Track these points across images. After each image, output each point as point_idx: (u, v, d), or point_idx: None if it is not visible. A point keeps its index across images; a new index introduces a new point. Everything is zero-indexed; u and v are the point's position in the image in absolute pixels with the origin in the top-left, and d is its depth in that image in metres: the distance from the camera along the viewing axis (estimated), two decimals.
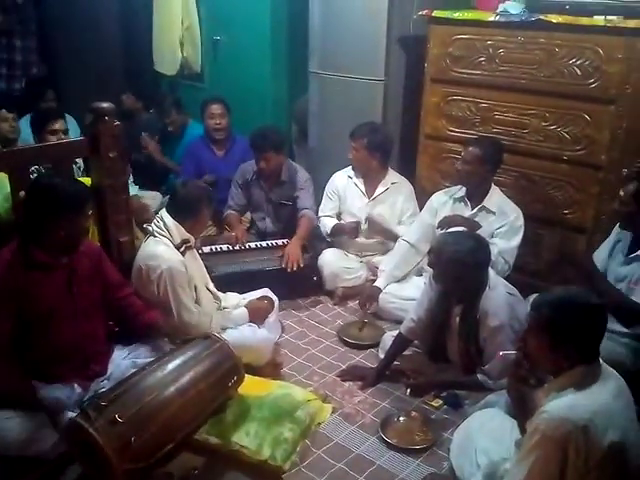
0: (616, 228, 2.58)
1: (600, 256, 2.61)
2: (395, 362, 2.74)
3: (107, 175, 2.58)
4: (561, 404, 1.60)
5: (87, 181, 2.63)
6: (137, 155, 4.33)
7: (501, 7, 3.15)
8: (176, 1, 4.43)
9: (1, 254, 2.16)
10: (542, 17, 2.96)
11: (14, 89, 4.68)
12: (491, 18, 3.15)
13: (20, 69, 4.71)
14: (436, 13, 3.34)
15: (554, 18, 2.93)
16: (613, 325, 2.34)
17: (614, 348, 2.26)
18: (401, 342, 2.73)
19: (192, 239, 2.68)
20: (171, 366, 2.19)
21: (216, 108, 4.00)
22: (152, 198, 4.04)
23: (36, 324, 2.18)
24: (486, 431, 2.04)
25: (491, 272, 2.56)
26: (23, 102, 4.36)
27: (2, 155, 2.48)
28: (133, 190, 4.04)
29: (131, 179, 4.04)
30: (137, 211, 3.60)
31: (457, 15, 3.29)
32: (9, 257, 2.15)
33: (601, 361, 1.71)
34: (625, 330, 2.40)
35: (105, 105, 2.55)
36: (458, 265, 2.37)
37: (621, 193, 2.43)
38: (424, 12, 3.38)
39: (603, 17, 2.80)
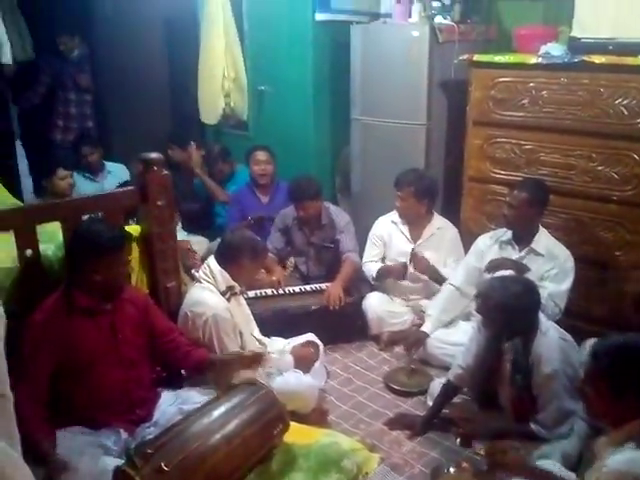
0: None
1: None
2: (444, 410, 2.67)
3: (155, 223, 2.63)
4: (621, 458, 1.53)
5: (136, 229, 2.70)
6: (186, 203, 4.42)
7: (543, 49, 3.15)
8: (220, 54, 4.55)
9: (46, 300, 2.22)
10: (585, 58, 2.95)
11: (68, 141, 4.87)
12: (533, 61, 3.16)
13: (75, 122, 4.90)
14: (477, 57, 3.37)
15: (597, 59, 2.92)
16: None
17: None
18: (450, 389, 2.66)
19: (237, 286, 2.69)
20: (217, 413, 2.16)
21: (261, 155, 4.07)
22: (199, 243, 4.09)
23: (80, 370, 2.20)
24: None
25: (542, 316, 2.50)
26: (76, 154, 4.55)
27: (55, 206, 2.57)
28: (181, 235, 4.13)
29: (179, 225, 4.14)
30: (184, 255, 3.67)
31: (498, 59, 3.31)
32: (53, 303, 2.21)
33: None
34: None
35: (154, 155, 2.62)
36: (506, 310, 2.32)
37: None
38: (465, 57, 3.41)
39: None
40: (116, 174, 4.42)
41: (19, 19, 4.36)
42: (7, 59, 4.07)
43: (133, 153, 2.93)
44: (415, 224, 3.47)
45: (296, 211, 3.61)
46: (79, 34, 4.80)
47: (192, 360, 2.48)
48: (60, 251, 2.45)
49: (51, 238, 2.48)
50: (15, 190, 4.12)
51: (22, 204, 3.61)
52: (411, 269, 3.42)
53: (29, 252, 2.32)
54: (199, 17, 4.69)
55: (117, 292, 2.31)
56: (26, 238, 2.32)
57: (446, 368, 2.86)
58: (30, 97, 4.69)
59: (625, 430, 1.58)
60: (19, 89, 4.63)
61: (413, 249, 3.41)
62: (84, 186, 4.30)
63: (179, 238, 3.98)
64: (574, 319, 2.99)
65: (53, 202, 3.07)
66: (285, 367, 2.75)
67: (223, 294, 2.63)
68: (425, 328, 3.18)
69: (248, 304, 2.98)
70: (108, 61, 5.10)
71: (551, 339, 2.40)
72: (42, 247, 2.38)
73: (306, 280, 3.69)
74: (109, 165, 4.54)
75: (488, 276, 2.85)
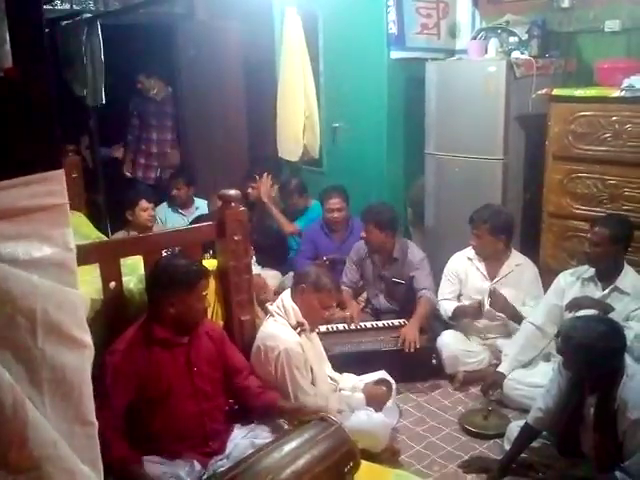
0: None
1: None
2: (522, 455, 2.56)
3: (231, 257, 2.70)
4: None
5: (213, 263, 2.78)
6: (261, 237, 4.52)
7: (626, 82, 3.08)
8: (299, 93, 4.69)
9: (127, 331, 2.31)
10: None
11: (150, 177, 5.10)
12: (615, 94, 3.10)
13: (156, 160, 5.14)
14: (556, 92, 3.34)
15: None
16: None
17: None
18: (529, 433, 2.56)
19: (307, 324, 2.71)
20: (287, 448, 2.17)
21: (334, 203, 4.07)
22: (272, 277, 4.16)
23: (157, 400, 2.27)
24: None
25: (629, 359, 2.38)
26: (158, 190, 4.76)
27: (138, 240, 2.69)
28: (255, 269, 4.20)
29: (254, 259, 4.22)
30: (258, 289, 3.74)
31: (579, 93, 3.27)
32: (133, 334, 2.30)
33: None
34: None
35: (231, 192, 2.70)
36: (589, 352, 2.23)
37: None
38: (544, 91, 3.38)
39: None
40: (202, 209, 4.56)
41: (101, 64, 4.61)
42: (91, 102, 4.36)
43: (214, 189, 3.03)
44: (492, 261, 3.41)
45: (364, 234, 3.62)
46: (162, 76, 5.06)
47: (261, 402, 2.50)
48: (141, 283, 2.55)
49: (133, 270, 2.59)
50: (100, 224, 4.35)
51: (106, 238, 3.80)
52: (488, 307, 3.34)
53: (112, 284, 2.44)
54: (277, 59, 4.86)
55: (193, 326, 2.38)
56: (110, 271, 2.44)
57: (524, 410, 2.78)
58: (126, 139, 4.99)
59: None
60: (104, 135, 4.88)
61: (491, 286, 3.33)
62: (173, 219, 4.49)
63: (253, 272, 4.08)
64: None
65: (136, 237, 3.22)
66: (357, 405, 2.72)
67: (294, 328, 2.66)
68: (502, 368, 3.10)
69: (320, 339, 3.00)
70: (190, 102, 5.35)
71: (638, 383, 2.29)
72: (125, 279, 2.49)
73: (378, 315, 3.67)
74: (197, 201, 4.71)
75: (569, 315, 2.76)
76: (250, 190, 4.61)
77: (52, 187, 0.88)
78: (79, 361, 0.94)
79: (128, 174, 5.07)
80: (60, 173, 0.89)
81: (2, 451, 0.82)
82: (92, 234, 4.01)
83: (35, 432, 0.84)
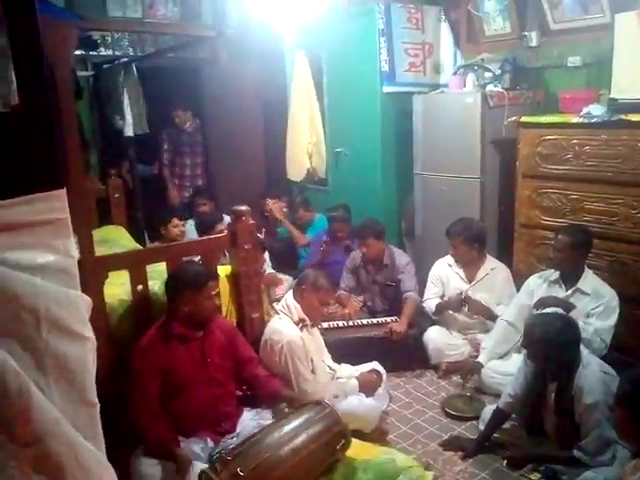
0: None
1: None
2: (494, 435, 2.54)
3: (242, 263, 2.72)
4: None
5: (227, 269, 2.79)
6: (275, 243, 4.54)
7: (585, 110, 3.06)
8: (304, 124, 4.73)
9: (150, 329, 2.33)
10: (623, 117, 2.83)
11: (183, 197, 5.15)
12: (575, 120, 3.06)
13: (188, 181, 5.19)
14: (525, 119, 3.31)
15: (634, 117, 2.79)
16: None
17: None
18: (500, 416, 2.53)
19: (308, 320, 2.71)
20: (287, 428, 2.16)
21: (339, 227, 4.06)
22: (285, 281, 4.16)
23: (177, 388, 2.27)
24: None
25: (585, 351, 2.36)
26: (188, 207, 4.79)
27: (161, 250, 2.72)
28: (271, 272, 4.21)
29: (270, 264, 4.23)
30: (273, 285, 3.74)
31: (544, 119, 3.24)
32: (155, 332, 2.31)
33: None
34: None
35: (242, 208, 2.72)
36: (548, 345, 2.21)
37: None
38: (514, 119, 3.36)
39: None
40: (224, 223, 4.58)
41: (140, 96, 4.67)
42: (130, 132, 4.42)
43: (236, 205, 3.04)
44: (469, 266, 3.38)
45: (360, 247, 3.61)
46: (192, 109, 5.14)
47: (267, 389, 2.50)
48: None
49: (159, 276, 2.61)
50: (139, 237, 4.40)
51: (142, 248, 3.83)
52: (466, 310, 3.33)
53: (140, 287, 2.46)
54: (288, 95, 4.90)
55: (205, 322, 2.38)
56: (138, 276, 2.47)
57: (499, 396, 2.70)
58: (159, 163, 5.07)
59: None
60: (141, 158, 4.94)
61: (463, 293, 3.31)
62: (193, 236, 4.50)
63: (269, 272, 4.08)
64: (619, 353, 2.80)
65: (160, 246, 3.24)
66: (351, 391, 2.71)
67: (297, 324, 2.66)
68: (480, 359, 3.06)
69: (322, 334, 2.99)
70: (215, 132, 5.41)
71: (592, 372, 2.26)
72: (150, 283, 2.52)
73: (373, 314, 3.65)
74: (226, 217, 4.71)
75: (533, 313, 2.73)
76: (267, 207, 4.65)
77: (54, 204, 0.89)
78: (81, 351, 0.94)
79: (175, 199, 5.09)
80: (62, 192, 0.90)
81: (9, 428, 0.83)
82: (130, 245, 4.05)
83: (38, 411, 0.85)
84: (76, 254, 0.95)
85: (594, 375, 2.25)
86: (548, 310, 2.71)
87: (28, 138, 0.87)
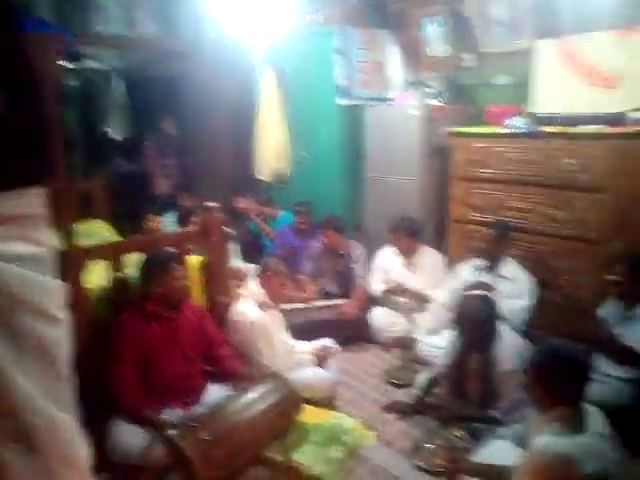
0: None
1: None
2: (427, 399, 2.61)
3: (212, 253, 2.71)
4: (545, 438, 1.47)
5: (199, 258, 2.77)
6: (245, 236, 4.52)
7: (507, 122, 3.13)
8: (271, 129, 4.71)
9: (130, 309, 2.30)
10: (540, 128, 2.92)
11: (164, 193, 5.05)
12: (499, 130, 3.13)
13: (171, 179, 5.10)
14: (457, 129, 3.37)
15: (549, 128, 2.88)
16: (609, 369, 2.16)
17: (603, 390, 2.06)
18: (432, 383, 2.60)
19: (269, 301, 2.71)
20: (247, 398, 2.16)
21: (302, 218, 4.11)
22: (251, 269, 4.15)
23: (151, 363, 2.25)
24: (495, 458, 1.88)
25: (503, 325, 2.43)
26: (166, 203, 4.71)
27: (137, 241, 2.68)
28: (238, 263, 4.19)
29: (238, 254, 4.21)
30: (238, 279, 3.72)
31: (473, 130, 3.30)
32: (132, 311, 2.29)
33: (585, 404, 1.56)
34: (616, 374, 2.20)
35: (211, 204, 2.71)
36: (472, 320, 2.28)
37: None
38: (449, 129, 3.42)
39: (590, 126, 2.73)
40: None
41: (122, 103, 4.57)
42: (113, 135, 4.33)
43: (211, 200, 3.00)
44: (407, 255, 3.45)
45: (323, 238, 3.63)
46: (174, 116, 5.04)
47: (228, 369, 2.47)
48: None
49: (136, 264, 2.59)
50: (122, 230, 4.31)
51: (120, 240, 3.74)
52: (406, 293, 3.40)
53: (117, 274, 2.43)
54: (256, 102, 4.86)
55: (177, 301, 2.35)
56: (116, 264, 2.43)
57: (431, 366, 2.80)
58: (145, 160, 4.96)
59: (549, 415, 1.52)
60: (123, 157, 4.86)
61: (405, 286, 3.38)
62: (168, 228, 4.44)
63: (236, 266, 4.06)
64: (534, 329, 2.89)
65: (136, 238, 3.19)
66: (306, 363, 2.74)
67: (259, 306, 2.66)
68: (417, 335, 3.13)
69: (283, 314, 3.00)
70: (193, 136, 5.32)
71: (509, 344, 2.34)
72: (127, 271, 2.48)
73: (329, 297, 3.67)
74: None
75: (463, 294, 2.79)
76: (237, 203, 4.62)
77: (32, 200, 0.88)
78: (56, 332, 0.93)
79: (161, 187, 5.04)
80: (39, 189, 0.89)
81: None
82: (113, 238, 3.97)
83: (13, 387, 0.84)
84: (53, 245, 0.94)
85: (510, 347, 2.33)
86: (474, 292, 2.78)
87: (10, 141, 0.86)
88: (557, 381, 1.52)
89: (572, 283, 2.89)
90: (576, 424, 1.49)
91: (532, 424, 1.63)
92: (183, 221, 3.81)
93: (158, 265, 2.30)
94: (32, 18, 3.90)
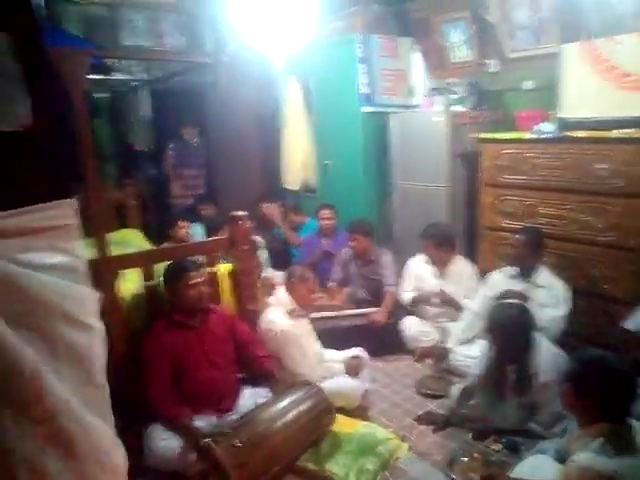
0: None
1: None
2: (462, 410, 2.54)
3: (240, 262, 2.71)
4: (587, 454, 1.39)
5: (227, 267, 2.77)
6: (273, 244, 4.52)
7: (536, 127, 3.07)
8: (298, 139, 4.72)
9: (160, 318, 2.31)
10: (569, 133, 2.86)
11: (186, 204, 5.07)
12: (528, 136, 3.08)
13: (191, 190, 5.09)
14: (485, 135, 3.33)
15: (579, 133, 2.81)
16: None
17: None
18: (467, 393, 2.54)
19: (298, 309, 2.69)
20: (280, 405, 2.17)
21: (325, 213, 4.10)
22: (280, 277, 4.14)
23: (182, 371, 2.26)
24: (535, 473, 1.80)
25: (539, 336, 2.35)
26: (193, 212, 4.73)
27: (168, 250, 2.70)
28: (268, 271, 4.19)
29: (268, 262, 4.20)
30: (268, 288, 3.71)
31: (501, 136, 3.25)
32: (162, 320, 2.31)
33: (633, 421, 1.47)
34: None
35: (240, 213, 2.71)
36: (506, 329, 2.22)
37: None
38: (475, 135, 3.37)
39: (620, 130, 2.65)
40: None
41: (149, 115, 4.63)
42: (141, 147, 4.38)
43: (236, 210, 3.01)
44: (439, 264, 3.38)
45: (350, 241, 3.59)
46: (198, 126, 5.08)
47: (264, 370, 2.49)
48: None
49: None
50: (152, 238, 4.37)
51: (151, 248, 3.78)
52: (438, 301, 3.33)
53: (149, 283, 2.44)
54: (281, 113, 4.88)
55: (195, 309, 2.35)
56: (148, 273, 2.45)
57: (465, 376, 2.73)
58: (162, 169, 5.00)
59: (591, 430, 1.45)
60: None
61: (439, 286, 3.30)
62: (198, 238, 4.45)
63: (266, 275, 4.06)
64: (570, 337, 2.79)
65: (167, 247, 3.21)
66: (337, 372, 2.71)
67: (288, 314, 2.64)
68: (449, 345, 3.07)
69: (312, 322, 2.98)
70: (217, 146, 5.37)
71: (546, 354, 2.27)
72: (160, 279, 2.50)
73: (358, 303, 3.63)
74: None
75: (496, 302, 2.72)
76: (264, 211, 4.63)
77: (65, 212, 0.88)
78: (89, 339, 0.93)
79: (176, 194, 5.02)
80: (71, 201, 0.89)
81: (24, 407, 0.82)
82: (144, 246, 4.02)
83: (50, 392, 0.84)
84: (84, 255, 0.93)
85: (547, 357, 2.26)
86: (508, 301, 2.70)
87: (40, 154, 0.86)
88: (600, 395, 1.45)
89: (611, 292, 2.79)
90: (621, 442, 1.41)
91: (573, 439, 1.54)
92: (208, 230, 3.81)
93: (170, 275, 2.33)
94: (61, 32, 4.02)
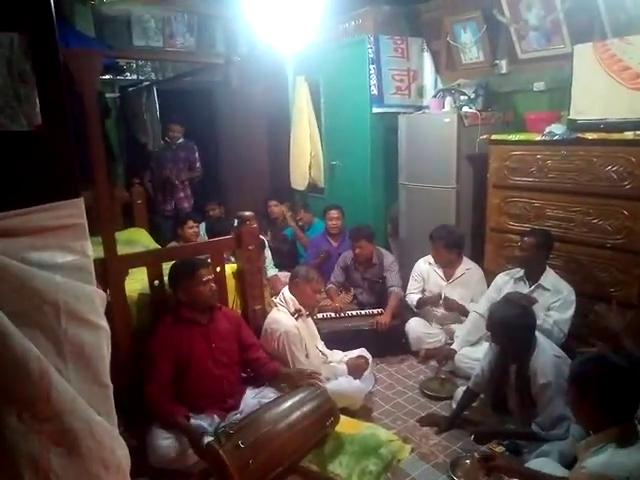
0: None
1: None
2: (465, 412, 2.55)
3: (246, 262, 2.73)
4: (599, 461, 1.39)
5: (234, 266, 2.79)
6: (282, 245, 4.54)
7: (547, 129, 3.04)
8: (306, 140, 4.74)
9: (165, 316, 2.34)
10: (580, 135, 2.83)
11: (186, 207, 4.85)
12: (539, 138, 3.05)
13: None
14: (494, 137, 3.30)
15: (590, 135, 2.78)
16: None
17: None
18: (470, 395, 2.54)
19: (303, 310, 2.71)
20: (283, 406, 2.17)
21: (334, 213, 4.10)
22: (285, 277, 4.15)
23: (187, 369, 2.28)
24: None
25: (541, 337, 2.36)
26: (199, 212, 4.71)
27: (175, 250, 2.72)
28: (274, 271, 4.21)
29: (271, 261, 4.22)
30: (275, 288, 3.73)
31: (511, 137, 3.22)
32: (168, 317, 2.33)
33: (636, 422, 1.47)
34: None
35: (247, 213, 2.73)
36: (506, 326, 2.22)
37: None
38: (485, 136, 3.36)
39: (632, 132, 2.62)
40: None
41: (157, 119, 4.64)
42: (151, 146, 4.40)
43: (244, 210, 3.02)
44: (447, 266, 3.37)
45: (353, 249, 3.60)
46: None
47: (267, 370, 2.50)
48: None
49: None
50: (159, 237, 4.40)
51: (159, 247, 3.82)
52: (443, 308, 3.33)
53: (156, 282, 2.47)
54: (290, 114, 4.90)
55: (205, 307, 2.37)
56: (154, 272, 2.47)
57: (469, 379, 2.70)
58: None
59: (602, 434, 1.44)
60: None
61: (442, 293, 3.30)
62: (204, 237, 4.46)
63: (272, 274, 4.09)
64: (576, 341, 2.79)
65: (175, 246, 3.23)
66: (341, 373, 2.72)
67: (293, 314, 2.66)
68: (454, 346, 3.07)
69: (316, 323, 2.99)
70: (226, 146, 5.41)
71: (546, 356, 2.26)
72: (166, 278, 2.52)
73: (362, 306, 3.65)
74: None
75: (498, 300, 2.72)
76: (271, 211, 4.65)
77: (72, 211, 0.90)
78: (95, 339, 0.95)
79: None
80: (79, 200, 0.91)
81: (31, 405, 0.84)
82: (151, 245, 4.06)
83: (57, 391, 0.85)
84: (92, 254, 0.95)
85: (547, 358, 2.25)
86: (510, 301, 2.70)
87: (50, 153, 0.88)
88: (611, 398, 1.43)
89: (620, 295, 2.77)
90: (632, 442, 1.41)
91: (583, 445, 1.53)
92: (211, 230, 3.82)
93: (183, 273, 2.34)
94: (74, 33, 4.06)
